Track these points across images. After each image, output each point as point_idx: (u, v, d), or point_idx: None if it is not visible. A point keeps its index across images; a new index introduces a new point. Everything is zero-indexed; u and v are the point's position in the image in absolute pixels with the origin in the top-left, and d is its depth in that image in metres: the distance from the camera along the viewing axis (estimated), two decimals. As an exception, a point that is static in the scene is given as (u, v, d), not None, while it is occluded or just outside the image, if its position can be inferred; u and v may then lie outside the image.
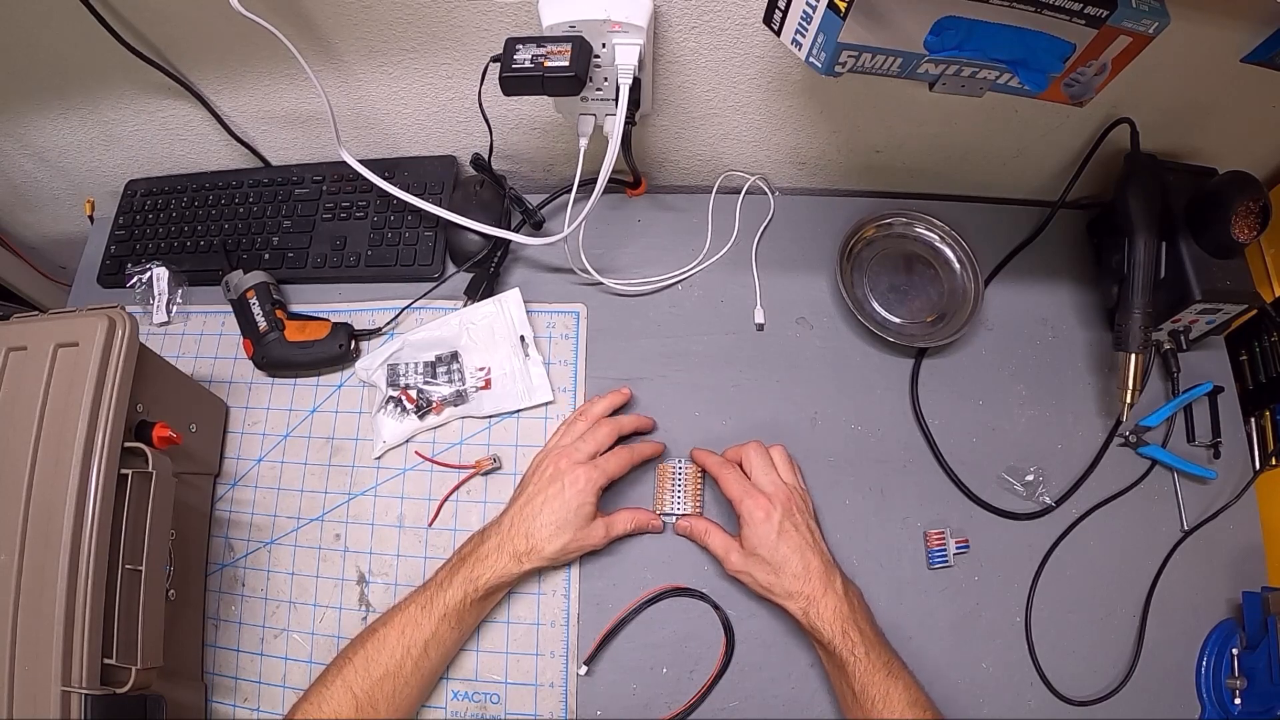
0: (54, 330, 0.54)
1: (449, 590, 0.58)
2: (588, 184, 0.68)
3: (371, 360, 0.73)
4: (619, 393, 0.70)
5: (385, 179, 0.74)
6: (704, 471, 0.68)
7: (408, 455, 0.71)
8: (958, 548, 0.66)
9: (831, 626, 0.56)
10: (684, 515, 0.66)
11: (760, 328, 0.75)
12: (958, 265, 0.77)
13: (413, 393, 0.71)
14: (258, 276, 0.75)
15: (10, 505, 0.49)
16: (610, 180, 0.65)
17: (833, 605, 0.57)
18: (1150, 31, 0.49)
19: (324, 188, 0.82)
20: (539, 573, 0.64)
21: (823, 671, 0.62)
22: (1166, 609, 0.66)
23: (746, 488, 0.61)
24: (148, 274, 0.79)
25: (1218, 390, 0.71)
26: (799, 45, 0.53)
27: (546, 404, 0.71)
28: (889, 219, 0.78)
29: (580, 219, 0.68)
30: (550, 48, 0.58)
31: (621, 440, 0.67)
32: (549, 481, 0.61)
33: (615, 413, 0.69)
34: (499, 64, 0.59)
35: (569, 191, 0.75)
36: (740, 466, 0.64)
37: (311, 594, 0.67)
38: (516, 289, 0.73)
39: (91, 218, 0.88)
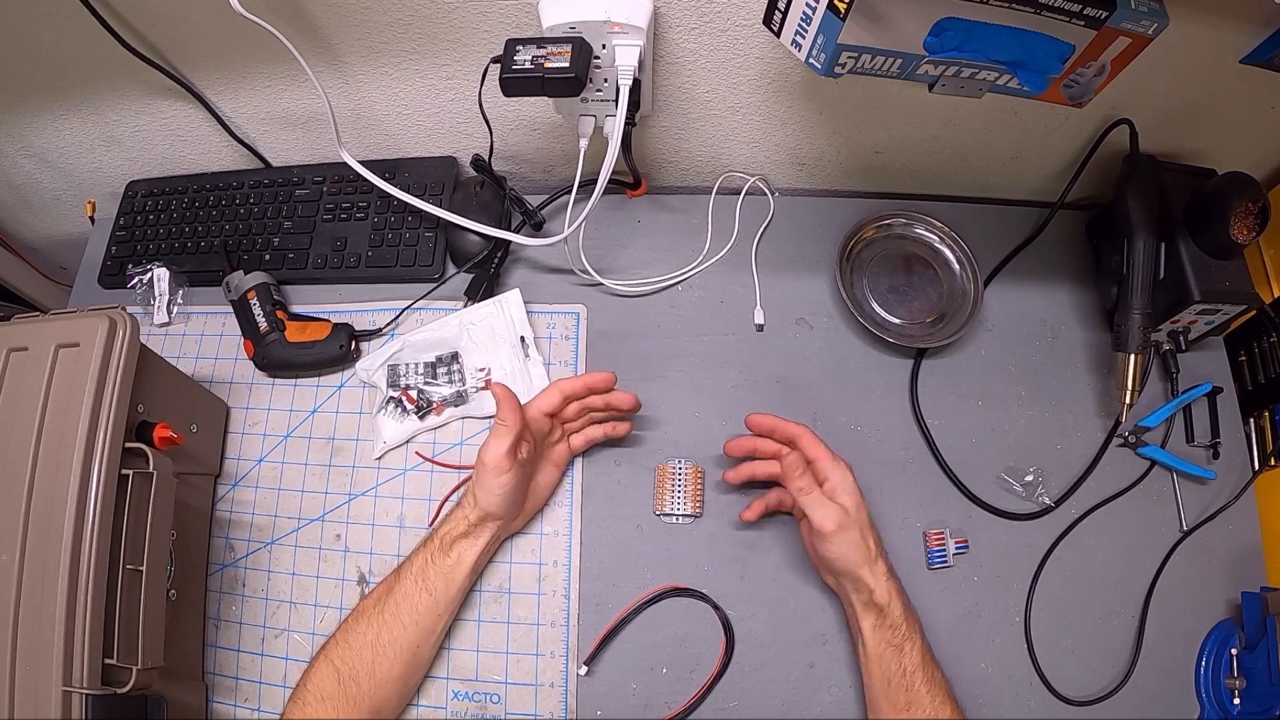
0: (55, 331, 0.54)
1: (414, 553, 0.62)
2: (588, 185, 0.68)
3: (372, 361, 0.73)
4: (600, 375, 0.65)
5: (386, 180, 0.74)
6: (703, 471, 0.68)
7: (408, 456, 0.71)
8: (957, 548, 0.67)
9: (897, 602, 0.57)
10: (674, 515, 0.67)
11: (760, 328, 0.75)
12: (957, 266, 0.77)
13: (413, 393, 0.71)
14: (258, 277, 0.75)
15: (11, 505, 0.50)
16: (610, 181, 0.66)
17: (890, 586, 0.58)
18: (1149, 33, 0.49)
19: (324, 188, 0.82)
20: (490, 526, 0.62)
21: (822, 672, 0.63)
22: (1165, 609, 0.66)
23: (817, 499, 0.59)
24: (148, 275, 0.79)
25: (1217, 391, 0.72)
26: (799, 46, 0.53)
27: (547, 404, 0.72)
28: (889, 220, 0.78)
29: (580, 220, 0.68)
30: (550, 49, 0.58)
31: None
32: None
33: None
34: (499, 65, 0.59)
35: (569, 192, 0.75)
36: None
37: (312, 594, 0.67)
38: (517, 290, 0.74)
39: (92, 218, 0.88)
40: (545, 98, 0.60)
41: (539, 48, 0.58)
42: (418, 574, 0.60)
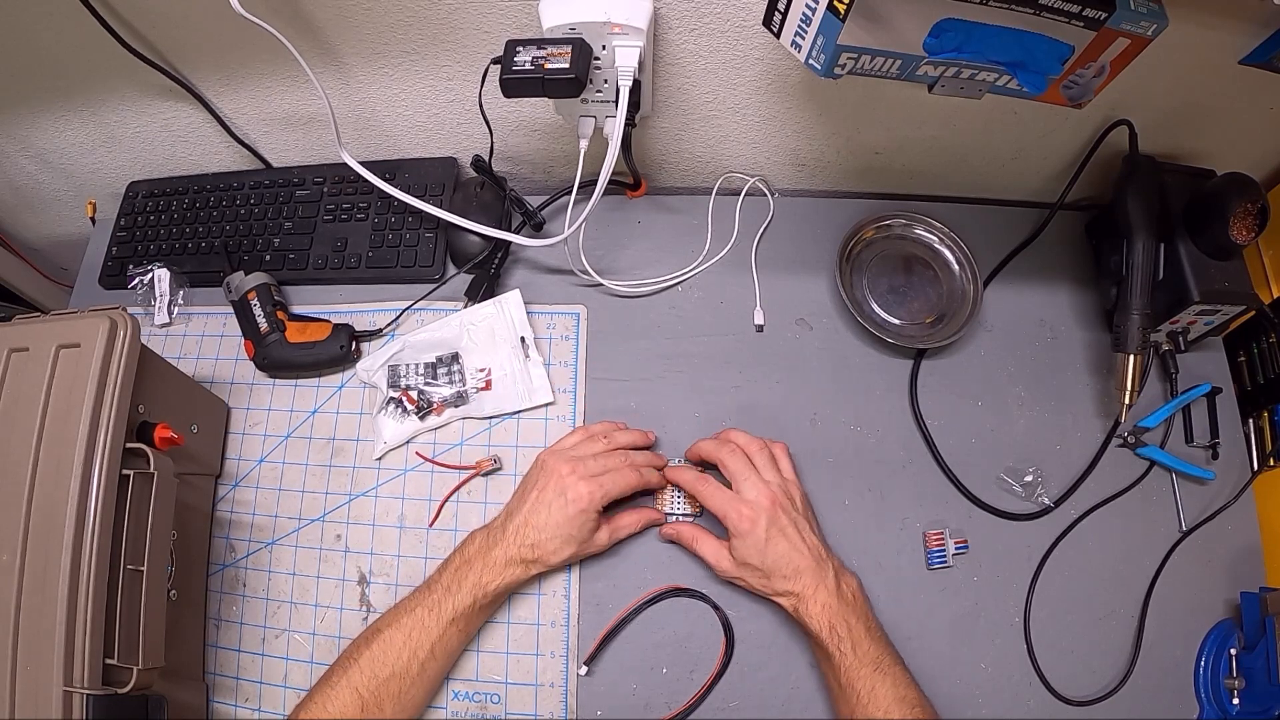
0: (56, 331, 0.54)
1: (458, 595, 0.59)
2: (588, 185, 0.68)
3: (372, 361, 0.73)
4: (644, 434, 0.69)
5: (386, 180, 0.74)
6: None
7: (408, 456, 0.71)
8: (957, 548, 0.67)
9: (818, 621, 0.57)
10: (671, 522, 0.67)
11: (760, 329, 0.75)
12: (957, 267, 0.77)
13: (413, 394, 0.71)
14: (259, 278, 0.75)
15: (12, 506, 0.50)
16: (610, 182, 0.66)
17: (821, 601, 0.57)
18: (1149, 33, 0.49)
19: (325, 189, 0.82)
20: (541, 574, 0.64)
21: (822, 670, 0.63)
22: (1165, 609, 0.66)
23: (728, 499, 0.60)
24: (149, 275, 0.79)
25: (1216, 391, 0.72)
26: (798, 47, 0.53)
27: (547, 405, 0.72)
28: (888, 220, 0.78)
29: (580, 220, 0.68)
30: (550, 50, 0.58)
31: None
32: (554, 493, 0.61)
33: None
34: (499, 66, 0.59)
35: (569, 193, 0.75)
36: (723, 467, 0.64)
37: (312, 594, 0.67)
38: (517, 290, 0.74)
39: (93, 219, 0.88)
40: (545, 99, 0.60)
41: (539, 49, 0.58)
42: (463, 622, 0.59)
